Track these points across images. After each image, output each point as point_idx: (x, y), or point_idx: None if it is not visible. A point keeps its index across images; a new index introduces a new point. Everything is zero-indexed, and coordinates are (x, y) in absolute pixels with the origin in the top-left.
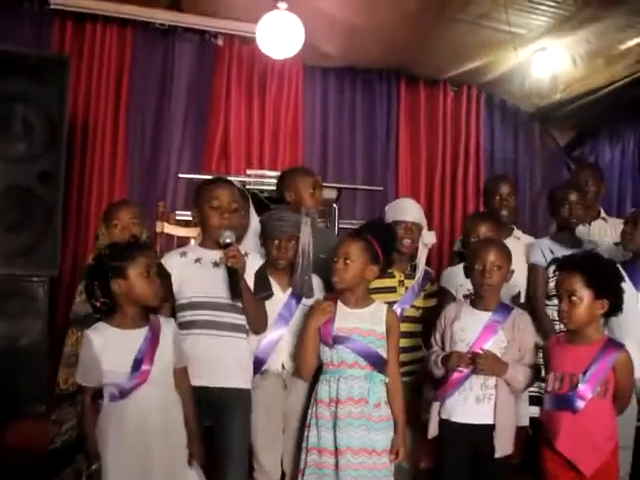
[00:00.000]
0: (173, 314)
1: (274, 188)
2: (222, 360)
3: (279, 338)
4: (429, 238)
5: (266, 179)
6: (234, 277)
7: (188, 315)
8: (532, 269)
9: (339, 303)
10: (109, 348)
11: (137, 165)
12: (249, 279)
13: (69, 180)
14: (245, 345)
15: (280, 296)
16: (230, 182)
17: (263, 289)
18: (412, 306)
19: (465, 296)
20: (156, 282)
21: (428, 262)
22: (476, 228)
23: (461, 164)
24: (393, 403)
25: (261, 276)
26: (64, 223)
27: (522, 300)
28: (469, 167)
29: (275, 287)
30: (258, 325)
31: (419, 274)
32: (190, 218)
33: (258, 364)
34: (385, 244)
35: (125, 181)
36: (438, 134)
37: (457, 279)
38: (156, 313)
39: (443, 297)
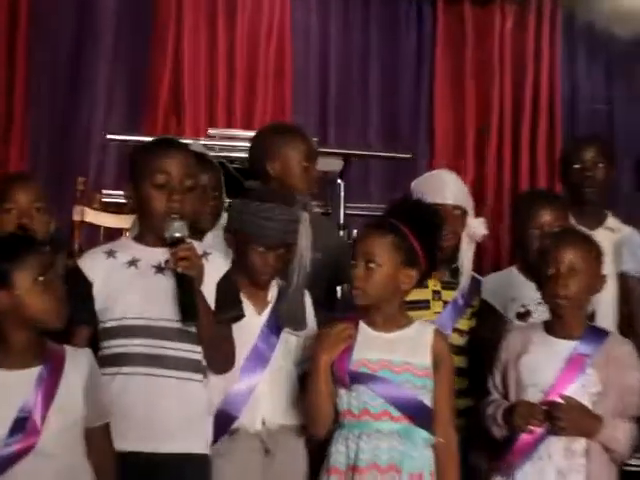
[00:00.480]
0: (93, 344)
1: (248, 156)
2: (166, 412)
3: (256, 383)
4: (478, 228)
5: (237, 142)
6: (186, 289)
7: (116, 345)
8: (625, 278)
9: (361, 325)
10: None
11: (44, 122)
12: (208, 292)
13: None
14: (200, 390)
15: (255, 321)
16: (184, 146)
17: (230, 307)
18: (455, 330)
19: (519, 315)
20: (57, 292)
21: (477, 265)
22: (536, 215)
23: (526, 118)
24: (444, 476)
25: (227, 288)
26: None
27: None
28: (539, 123)
29: (247, 308)
30: (221, 361)
31: (464, 282)
32: (124, 200)
33: (225, 421)
34: (426, 236)
35: (25, 145)
36: (492, 74)
37: (508, 290)
38: (65, 342)
39: (485, 317)
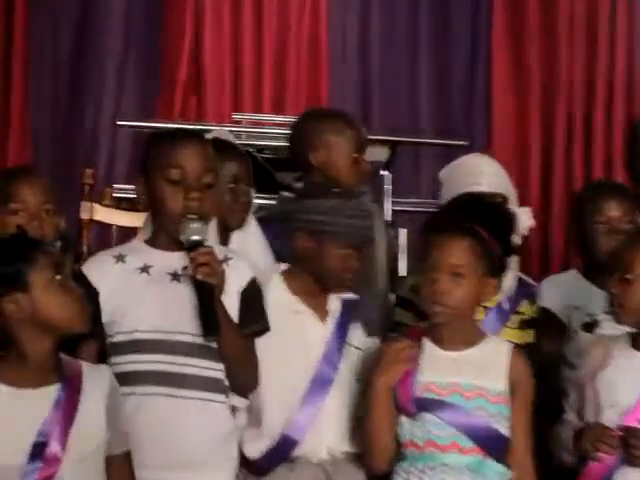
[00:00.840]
0: (101, 360)
1: (280, 144)
2: (185, 438)
3: (320, 405)
4: (522, 219)
5: (266, 129)
6: (207, 299)
7: (128, 362)
8: None
9: (425, 342)
10: None
11: (46, 107)
12: (230, 302)
13: None
14: (224, 413)
15: (318, 332)
16: (201, 137)
17: (255, 319)
18: None
19: (585, 326)
20: (76, 292)
21: (525, 265)
22: (602, 208)
23: (600, 100)
24: None
25: (252, 297)
26: None
27: None
28: (614, 103)
29: (309, 317)
30: (244, 380)
31: (509, 283)
32: (135, 196)
33: (285, 448)
34: (504, 240)
35: (25, 133)
36: (558, 42)
37: (569, 297)
38: (74, 356)
39: (547, 328)
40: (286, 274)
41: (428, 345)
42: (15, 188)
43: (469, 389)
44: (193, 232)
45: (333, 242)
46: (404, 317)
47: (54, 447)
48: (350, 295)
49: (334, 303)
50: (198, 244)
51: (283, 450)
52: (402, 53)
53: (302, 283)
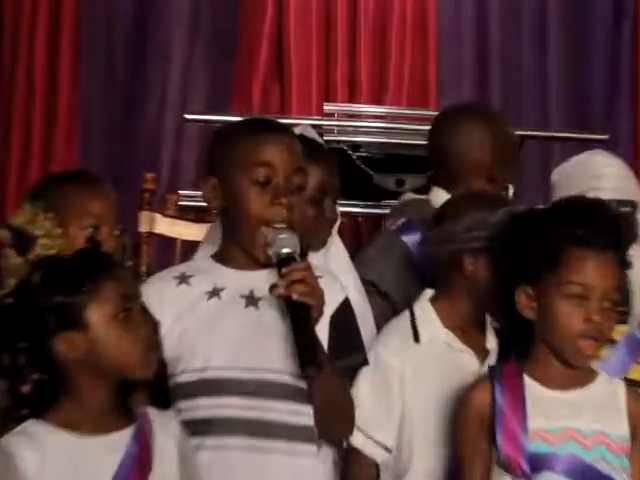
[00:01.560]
0: (163, 403)
1: (379, 140)
2: None
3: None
4: None
5: (362, 122)
6: (304, 324)
7: (198, 407)
8: None
9: (526, 380)
10: (51, 475)
11: (99, 99)
12: (319, 329)
13: None
14: (316, 469)
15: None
16: (290, 129)
17: (351, 350)
18: (628, 381)
19: None
20: (143, 330)
21: None
22: None
23: None
24: None
25: (346, 323)
26: None
27: None
28: None
29: (468, 356)
30: (338, 425)
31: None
32: (205, 204)
33: None
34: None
35: (73, 130)
36: None
37: None
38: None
39: None
40: (436, 302)
41: (531, 384)
42: (88, 199)
43: (589, 435)
44: (284, 244)
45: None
46: None
47: None
48: None
49: (492, 341)
50: (290, 258)
51: None
52: (526, 32)
53: (457, 314)
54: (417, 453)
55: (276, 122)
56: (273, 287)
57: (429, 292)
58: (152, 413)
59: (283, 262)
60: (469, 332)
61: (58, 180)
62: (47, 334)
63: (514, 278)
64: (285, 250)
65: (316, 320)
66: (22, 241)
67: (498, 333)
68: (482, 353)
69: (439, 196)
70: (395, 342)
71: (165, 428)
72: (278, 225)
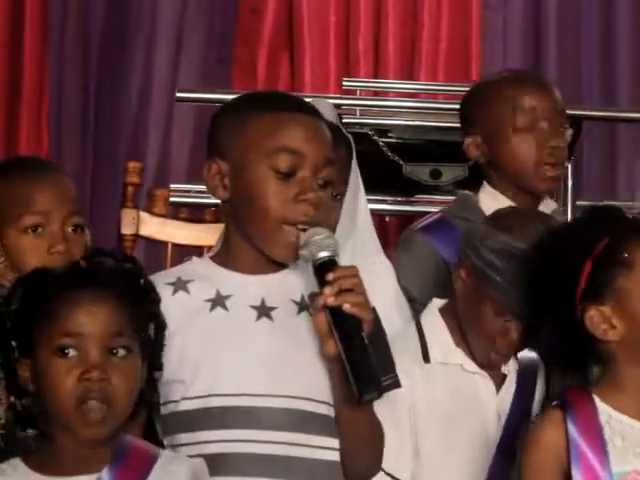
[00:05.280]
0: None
1: (410, 123)
2: None
3: None
4: None
5: (390, 102)
6: (358, 340)
7: (201, 441)
8: None
9: (602, 409)
10: None
11: (72, 72)
12: None
13: None
14: None
15: (495, 402)
16: (320, 113)
17: (383, 370)
18: None
19: None
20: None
21: None
22: None
23: None
24: None
25: (377, 338)
26: None
27: None
28: None
29: (483, 380)
30: (367, 461)
31: None
32: (204, 200)
33: None
34: None
35: (40, 111)
36: None
37: None
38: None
39: None
40: (446, 314)
41: (609, 413)
42: (31, 193)
43: None
44: (322, 246)
45: (492, 304)
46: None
47: None
48: (529, 354)
49: (511, 364)
50: (331, 262)
51: None
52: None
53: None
54: None
55: (303, 100)
56: (312, 297)
57: (437, 302)
58: (162, 457)
59: (324, 267)
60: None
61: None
62: (11, 359)
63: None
64: (324, 253)
65: (368, 337)
66: None
67: None
68: (497, 377)
69: (488, 193)
70: (405, 362)
71: (169, 470)
72: (301, 226)
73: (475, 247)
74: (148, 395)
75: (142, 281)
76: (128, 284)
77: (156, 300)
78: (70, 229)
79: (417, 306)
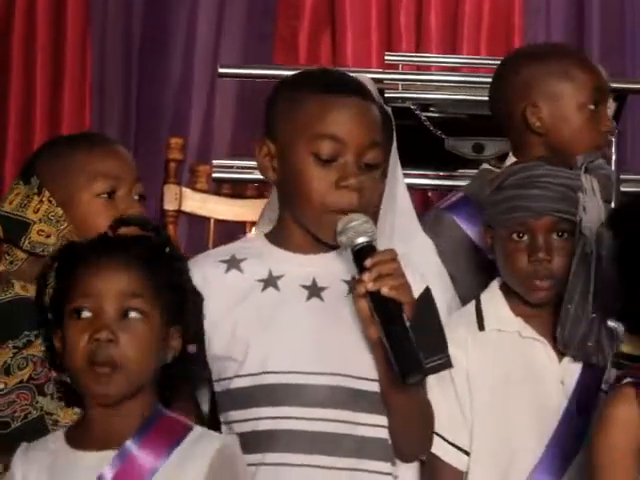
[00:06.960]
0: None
1: (452, 97)
2: None
3: None
4: None
5: (433, 76)
6: (399, 323)
7: (253, 418)
8: None
9: None
10: None
11: (114, 48)
12: None
13: None
14: None
15: (557, 372)
16: (368, 91)
17: (432, 348)
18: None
19: None
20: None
21: None
22: None
23: None
24: None
25: (428, 317)
26: None
27: None
28: None
29: (544, 348)
30: (416, 440)
31: None
32: (246, 176)
33: None
34: None
35: (83, 86)
36: None
37: None
38: (169, 406)
39: None
40: (505, 288)
41: None
42: (101, 162)
43: None
44: (360, 231)
45: (506, 230)
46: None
47: None
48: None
49: None
50: (370, 247)
51: None
52: None
53: (523, 301)
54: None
55: (350, 78)
56: (354, 282)
57: (499, 280)
58: (193, 433)
59: (362, 253)
60: (540, 322)
61: (56, 147)
62: (49, 332)
63: None
64: (361, 239)
65: (409, 320)
66: (13, 230)
67: None
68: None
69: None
70: (459, 332)
71: (198, 445)
72: (352, 209)
73: (485, 205)
74: (181, 368)
75: (167, 249)
76: (150, 251)
77: (182, 270)
78: (136, 197)
79: (455, 286)
